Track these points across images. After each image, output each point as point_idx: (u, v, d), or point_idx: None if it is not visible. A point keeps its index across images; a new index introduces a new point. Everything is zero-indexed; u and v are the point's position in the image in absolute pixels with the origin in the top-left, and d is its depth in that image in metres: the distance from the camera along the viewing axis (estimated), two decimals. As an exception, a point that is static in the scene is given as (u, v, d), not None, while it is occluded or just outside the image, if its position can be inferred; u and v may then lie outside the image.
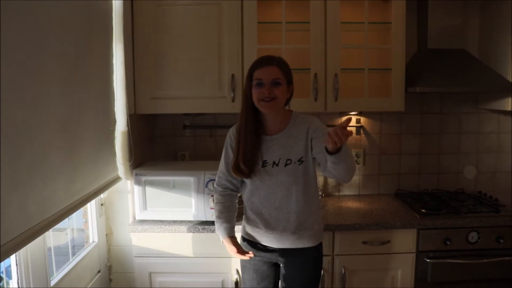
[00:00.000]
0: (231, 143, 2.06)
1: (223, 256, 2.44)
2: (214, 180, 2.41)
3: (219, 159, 2.97)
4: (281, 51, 2.63)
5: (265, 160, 1.98)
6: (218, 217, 2.09)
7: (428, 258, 2.51)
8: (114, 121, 2.36)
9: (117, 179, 2.42)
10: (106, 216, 2.56)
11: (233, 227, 2.10)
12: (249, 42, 2.58)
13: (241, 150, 1.96)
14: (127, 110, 2.38)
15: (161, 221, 2.49)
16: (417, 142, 3.14)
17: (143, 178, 2.45)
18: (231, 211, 2.12)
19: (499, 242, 2.55)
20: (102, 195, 2.48)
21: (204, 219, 2.46)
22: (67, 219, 2.29)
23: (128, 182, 2.52)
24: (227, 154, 2.09)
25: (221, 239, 2.08)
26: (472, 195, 3.00)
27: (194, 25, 2.56)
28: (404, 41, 2.66)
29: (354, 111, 2.98)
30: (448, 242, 2.51)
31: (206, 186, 2.43)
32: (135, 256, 2.47)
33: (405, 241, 2.51)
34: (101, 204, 2.51)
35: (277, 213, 2.00)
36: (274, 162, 1.97)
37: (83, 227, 2.47)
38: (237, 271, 2.46)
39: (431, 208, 2.66)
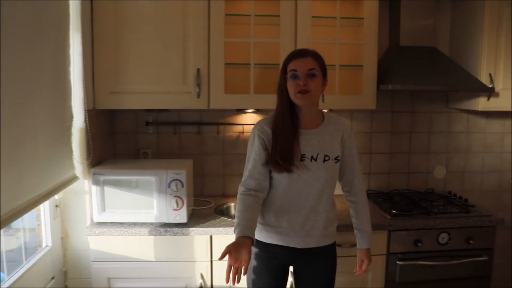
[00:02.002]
0: (263, 137, 1.93)
1: (186, 260, 2.34)
2: (177, 180, 2.30)
3: (183, 157, 2.91)
4: (249, 45, 2.52)
5: (303, 154, 1.90)
6: (237, 216, 1.83)
7: (398, 260, 2.46)
8: (71, 117, 2.19)
9: (73, 178, 2.25)
10: (62, 218, 2.39)
11: (252, 228, 1.81)
12: (216, 35, 2.46)
13: (280, 143, 1.88)
14: (85, 105, 2.22)
15: (121, 224, 2.34)
16: (387, 141, 3.09)
17: (102, 178, 2.30)
18: (252, 211, 1.87)
19: (468, 243, 2.52)
20: (56, 196, 2.31)
21: (167, 221, 2.33)
22: (20, 221, 2.14)
23: (86, 182, 2.36)
24: (257, 150, 1.93)
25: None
26: (442, 195, 2.97)
27: (158, 16, 2.42)
28: (376, 38, 2.59)
29: (325, 109, 2.90)
30: (419, 244, 2.46)
31: (169, 186, 2.29)
32: (92, 261, 2.32)
33: (375, 243, 2.43)
34: (56, 206, 2.34)
35: (306, 212, 1.93)
36: (312, 157, 1.91)
37: (36, 230, 2.30)
38: (201, 275, 2.34)
39: (402, 209, 2.62)
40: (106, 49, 2.41)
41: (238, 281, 1.67)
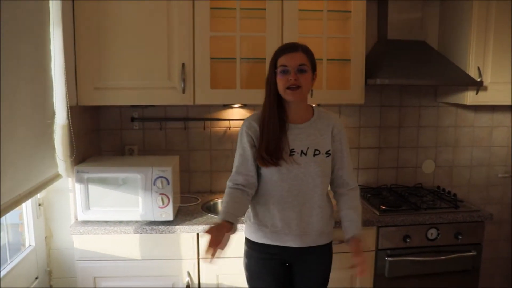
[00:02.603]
0: (250, 134, 1.91)
1: (173, 258, 2.30)
2: (162, 177, 2.26)
3: (169, 153, 2.86)
4: (235, 39, 2.48)
5: (293, 149, 1.88)
6: (224, 206, 1.84)
7: (387, 256, 2.44)
8: (53, 114, 2.14)
9: (56, 176, 2.20)
10: (45, 217, 2.34)
11: (236, 217, 1.81)
12: (201, 29, 2.41)
13: (266, 138, 1.85)
14: (67, 102, 2.17)
15: (106, 222, 2.30)
16: (376, 136, 3.07)
17: (86, 176, 2.25)
18: (239, 203, 1.86)
19: (457, 238, 2.51)
20: (39, 195, 2.26)
21: (152, 219, 2.29)
22: (4, 220, 2.09)
23: (69, 180, 2.31)
24: (244, 147, 1.92)
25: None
26: (431, 190, 2.95)
27: (141, 11, 2.36)
28: (364, 31, 2.56)
29: (313, 103, 2.87)
30: (408, 240, 2.44)
31: (154, 184, 2.25)
32: (77, 260, 2.28)
33: (365, 239, 2.41)
34: (39, 204, 2.30)
35: (300, 208, 1.90)
36: (302, 151, 1.88)
37: (19, 230, 2.25)
38: (188, 273, 2.31)
39: (390, 204, 2.60)
40: (88, 44, 2.35)
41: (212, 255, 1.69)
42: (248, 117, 1.98)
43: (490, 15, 2.66)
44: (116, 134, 2.82)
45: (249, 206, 1.99)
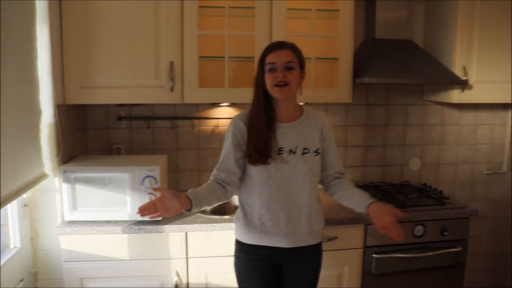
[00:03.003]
0: (236, 133, 1.91)
1: (161, 258, 2.29)
2: (151, 176, 2.24)
3: (157, 152, 2.85)
4: (224, 38, 2.47)
5: (281, 147, 1.88)
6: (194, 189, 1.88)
7: (375, 253, 2.46)
8: (39, 112, 2.11)
9: (43, 176, 2.17)
10: (31, 217, 2.31)
11: (199, 200, 1.81)
12: (189, 27, 2.39)
13: (255, 136, 1.85)
14: (54, 100, 2.14)
15: (93, 222, 2.27)
16: (362, 134, 3.09)
17: (73, 175, 2.23)
18: (211, 192, 1.88)
19: (443, 234, 2.55)
20: (25, 195, 2.23)
21: (141, 219, 2.27)
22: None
23: (56, 179, 2.28)
24: (229, 146, 1.93)
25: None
26: (417, 188, 2.99)
27: (129, 9, 2.33)
28: (352, 30, 2.58)
29: (301, 102, 2.88)
30: (395, 237, 2.47)
31: (143, 183, 2.24)
32: (64, 261, 2.25)
33: (352, 237, 2.45)
34: (25, 205, 2.26)
35: (288, 207, 1.90)
36: (291, 150, 1.89)
37: (4, 231, 2.21)
38: (177, 273, 2.30)
39: (377, 202, 2.62)
40: (75, 43, 2.32)
41: (143, 215, 1.74)
42: (236, 116, 1.98)
43: (474, 15, 2.70)
44: (103, 133, 2.79)
45: (239, 206, 2.00)
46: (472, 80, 2.72)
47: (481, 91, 2.77)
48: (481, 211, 3.10)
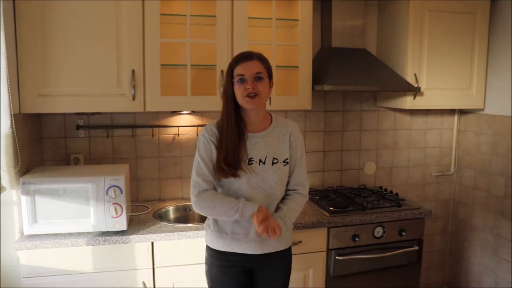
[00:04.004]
0: (213, 140, 1.90)
1: (127, 269, 2.25)
2: (115, 186, 2.20)
3: (117, 162, 2.79)
4: (186, 46, 2.47)
5: (251, 158, 1.90)
6: (229, 202, 1.84)
7: (338, 256, 2.53)
8: (-5, 122, 2.03)
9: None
10: (-14, 233, 2.20)
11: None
12: (151, 35, 2.38)
13: (225, 148, 1.85)
14: (11, 110, 2.06)
15: (55, 235, 2.19)
16: (321, 140, 3.17)
17: (32, 187, 2.14)
18: (226, 197, 1.89)
19: (401, 234, 2.66)
20: (-20, 209, 2.13)
21: (105, 230, 2.22)
22: None
23: (14, 192, 2.19)
24: (207, 151, 1.90)
25: (252, 212, 1.82)
26: (374, 191, 3.10)
27: (89, 15, 2.28)
28: (311, 39, 2.65)
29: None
30: (357, 238, 2.55)
31: (107, 193, 2.19)
32: (24, 277, 2.15)
33: (316, 240, 2.50)
34: (-21, 220, 2.16)
35: None
36: (260, 160, 1.91)
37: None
38: (143, 283, 2.26)
39: (338, 205, 2.70)
40: (32, 49, 2.23)
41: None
42: (209, 124, 1.97)
43: (424, 26, 2.86)
44: (60, 142, 2.70)
45: None
46: (422, 87, 2.87)
47: (431, 97, 2.93)
48: (432, 211, 3.25)
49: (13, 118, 2.06)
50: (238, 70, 1.85)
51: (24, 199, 2.14)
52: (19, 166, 2.14)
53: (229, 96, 1.87)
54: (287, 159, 1.96)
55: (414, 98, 2.86)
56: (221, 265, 1.95)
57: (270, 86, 1.94)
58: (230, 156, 1.85)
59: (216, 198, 1.86)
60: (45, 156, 2.69)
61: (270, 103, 2.01)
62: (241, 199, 1.85)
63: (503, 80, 2.97)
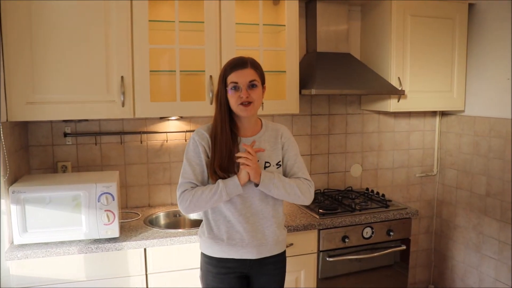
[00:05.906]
0: (203, 144, 1.90)
1: (120, 276, 2.23)
2: (107, 193, 2.19)
3: (106, 169, 2.79)
4: (174, 52, 2.48)
5: None
6: (210, 188, 1.84)
7: (329, 257, 2.56)
8: (-18, 131, 2.00)
9: (-13, 199, 2.06)
10: (-25, 243, 2.17)
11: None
12: (140, 41, 2.38)
13: (219, 154, 1.86)
14: (-1, 117, 2.04)
15: (46, 244, 2.17)
16: (308, 143, 3.21)
17: (22, 196, 2.11)
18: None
19: (389, 235, 2.71)
20: (-32, 219, 2.09)
21: (98, 237, 2.21)
22: None
23: (3, 201, 2.16)
24: (196, 154, 1.91)
25: (237, 183, 1.83)
26: (361, 192, 3.15)
27: (77, 22, 2.27)
28: (297, 44, 2.69)
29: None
30: (347, 240, 2.59)
31: (99, 201, 2.18)
32: (15, 288, 2.13)
33: (307, 242, 2.53)
34: (-32, 230, 2.12)
35: (254, 219, 1.92)
36: None
37: None
38: (137, 291, 2.26)
39: (327, 208, 2.73)
40: (19, 54, 2.20)
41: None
42: (199, 128, 1.97)
43: (406, 29, 2.93)
44: (47, 150, 2.67)
45: (203, 220, 2.00)
46: (406, 90, 2.94)
47: (414, 100, 3.00)
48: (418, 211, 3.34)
49: (0, 127, 2.04)
50: (231, 77, 1.85)
51: (14, 208, 2.11)
52: (7, 175, 2.12)
53: (222, 102, 1.88)
54: (279, 161, 1.98)
55: (398, 101, 2.93)
56: (217, 272, 1.95)
57: (263, 92, 1.96)
58: (225, 162, 1.86)
59: (196, 191, 1.86)
60: (32, 164, 2.65)
61: (262, 109, 2.03)
62: (219, 180, 1.84)
63: (482, 82, 3.07)
